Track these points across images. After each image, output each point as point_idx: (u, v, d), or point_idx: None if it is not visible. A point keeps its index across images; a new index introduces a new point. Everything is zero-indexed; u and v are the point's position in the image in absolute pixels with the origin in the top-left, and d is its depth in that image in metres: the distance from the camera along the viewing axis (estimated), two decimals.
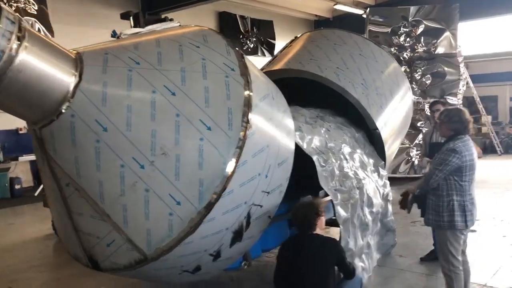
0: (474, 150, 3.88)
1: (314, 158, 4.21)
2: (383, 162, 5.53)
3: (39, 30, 12.18)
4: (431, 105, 5.38)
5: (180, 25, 4.24)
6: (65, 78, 3.09)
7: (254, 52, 18.78)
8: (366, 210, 4.74)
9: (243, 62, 3.62)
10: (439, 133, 4.32)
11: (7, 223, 8.12)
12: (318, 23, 21.81)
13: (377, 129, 5.46)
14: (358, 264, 4.62)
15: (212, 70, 3.50)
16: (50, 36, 12.28)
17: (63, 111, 3.09)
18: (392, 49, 11.07)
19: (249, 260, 4.06)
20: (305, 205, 3.52)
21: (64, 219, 3.56)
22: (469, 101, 17.85)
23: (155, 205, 3.22)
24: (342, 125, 5.40)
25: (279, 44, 19.25)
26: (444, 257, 3.92)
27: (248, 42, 18.81)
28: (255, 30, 19.18)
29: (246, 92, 3.47)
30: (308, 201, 3.57)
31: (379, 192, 5.12)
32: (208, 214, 3.27)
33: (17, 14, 2.95)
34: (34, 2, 12.20)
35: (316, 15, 20.75)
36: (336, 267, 3.46)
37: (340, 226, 4.12)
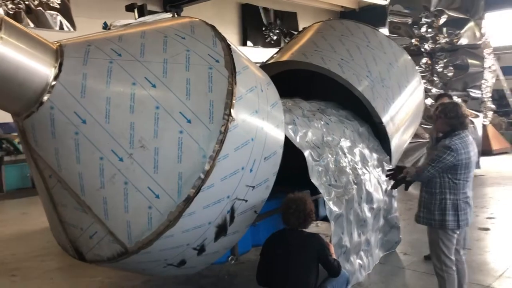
0: (473, 147, 3.70)
1: (306, 152, 4.09)
2: (388, 157, 5.37)
3: (61, 23, 12.45)
4: (437, 98, 5.15)
5: (172, 17, 4.19)
6: (44, 69, 3.09)
7: (277, 44, 18.60)
8: (365, 206, 4.60)
9: (229, 54, 3.54)
10: (436, 128, 4.09)
11: (21, 212, 8.32)
12: (343, 15, 21.39)
13: (382, 122, 5.29)
14: (355, 261, 4.50)
15: (196, 61, 3.44)
16: (72, 29, 12.50)
17: (43, 103, 3.10)
18: (413, 40, 10.76)
19: (237, 255, 4.00)
20: (309, 201, 3.39)
21: (50, 210, 3.59)
22: (499, 94, 17.21)
23: (134, 198, 3.20)
24: (346, 119, 5.25)
25: None
26: (436, 256, 3.78)
27: (271, 34, 18.64)
28: (278, 22, 19.00)
29: (230, 84, 3.39)
30: (302, 196, 3.43)
31: (381, 188, 4.97)
32: (188, 208, 3.22)
33: None
34: None
35: (341, 6, 20.36)
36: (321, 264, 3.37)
37: (332, 222, 4.00)
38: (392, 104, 5.51)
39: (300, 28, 19.30)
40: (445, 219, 3.68)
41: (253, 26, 18.01)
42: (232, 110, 3.32)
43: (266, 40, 18.42)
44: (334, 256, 3.58)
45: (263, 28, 18.42)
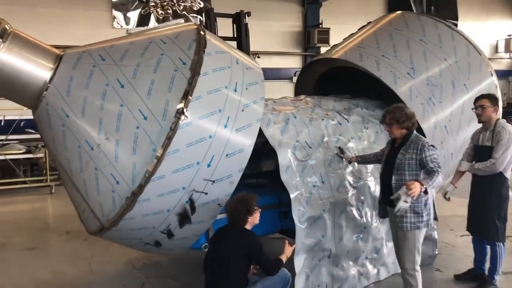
0: None
1: (288, 151, 4.08)
2: None
3: (201, 23, 13.80)
4: (475, 101, 4.45)
5: (183, 23, 4.56)
6: (43, 73, 3.83)
7: None
8: (368, 212, 4.35)
9: (199, 56, 3.81)
10: (393, 135, 3.81)
11: None
12: None
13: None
14: (351, 268, 4.32)
15: (165, 64, 3.81)
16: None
17: (42, 99, 3.85)
18: None
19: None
20: (238, 200, 3.54)
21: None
22: None
23: (102, 182, 3.75)
24: (378, 120, 4.96)
25: (463, 25, 17.35)
26: (411, 258, 3.75)
27: None
28: (432, 11, 17.61)
29: (189, 85, 3.67)
30: (243, 196, 3.58)
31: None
32: (141, 194, 3.64)
33: (5, 21, 3.73)
34: (200, 1, 13.80)
35: None
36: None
37: (301, 224, 3.93)
38: (438, 104, 4.98)
39: (461, 17, 17.76)
40: (429, 218, 3.74)
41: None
42: (185, 109, 3.61)
43: None
44: (284, 257, 3.59)
45: None
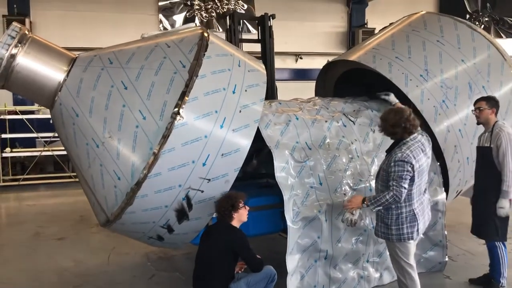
0: (426, 152, 3.56)
1: (285, 152, 4.15)
2: (438, 163, 4.81)
3: (245, 26, 13.99)
4: (474, 103, 4.35)
5: (195, 26, 4.75)
6: (57, 75, 4.14)
7: None
8: (369, 214, 4.32)
9: (197, 59, 3.96)
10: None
11: None
12: None
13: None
14: (350, 270, 4.31)
15: (167, 67, 4.00)
16: (254, 31, 13.88)
17: (56, 99, 4.16)
18: None
19: None
20: (224, 197, 3.70)
21: None
22: None
23: (107, 177, 4.00)
24: None
25: None
26: (397, 265, 3.70)
27: (477, 23, 16.68)
28: (488, 8, 16.84)
29: (186, 87, 3.84)
30: (229, 194, 3.71)
31: None
32: (139, 190, 3.85)
33: (25, 28, 4.09)
34: (243, 3, 14.01)
35: None
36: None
37: (294, 224, 3.97)
38: (453, 107, 4.84)
39: None
40: (402, 232, 3.59)
41: (454, 16, 16.42)
42: (181, 110, 3.78)
43: None
44: None
45: (467, 17, 16.63)
